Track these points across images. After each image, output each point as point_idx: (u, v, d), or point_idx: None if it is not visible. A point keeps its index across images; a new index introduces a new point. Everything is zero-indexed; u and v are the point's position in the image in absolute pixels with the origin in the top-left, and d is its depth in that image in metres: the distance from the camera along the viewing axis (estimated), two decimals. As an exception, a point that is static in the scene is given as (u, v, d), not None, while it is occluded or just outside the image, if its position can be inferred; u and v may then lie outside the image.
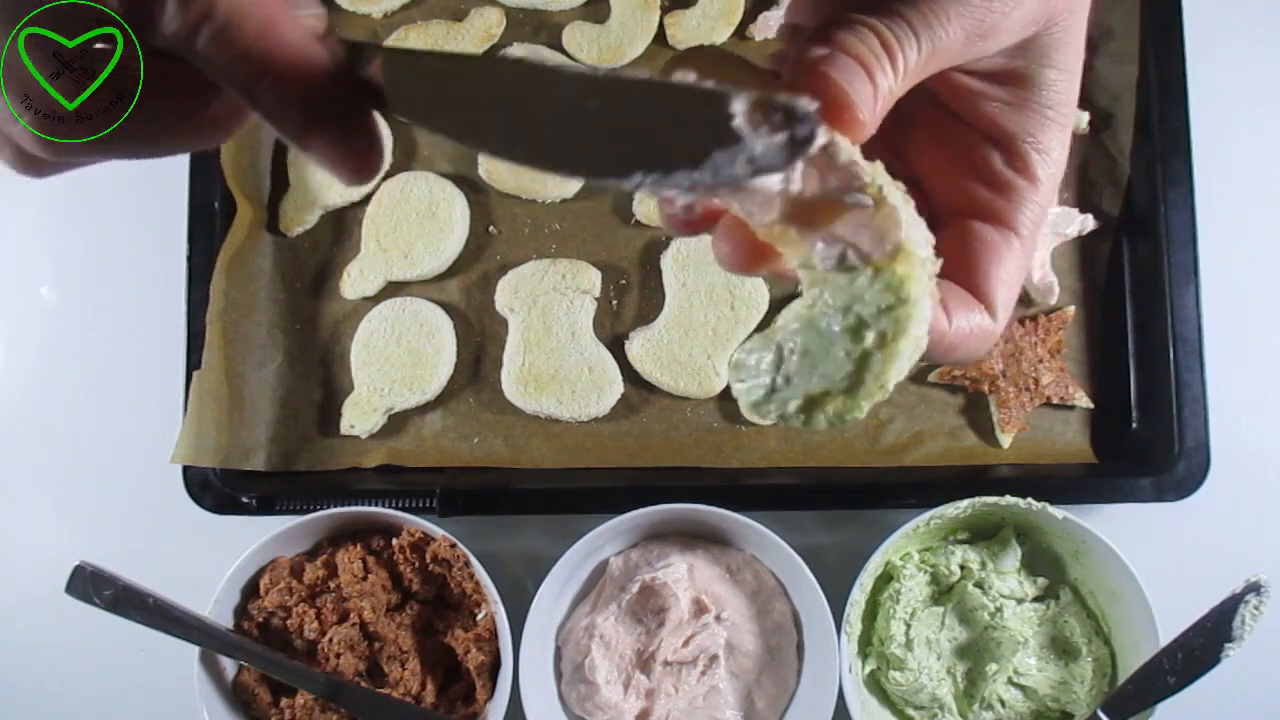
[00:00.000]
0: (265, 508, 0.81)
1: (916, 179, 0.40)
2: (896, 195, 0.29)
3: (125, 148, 0.33)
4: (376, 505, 0.79)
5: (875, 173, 0.29)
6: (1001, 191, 0.37)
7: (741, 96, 0.24)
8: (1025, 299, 0.87)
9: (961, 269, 0.37)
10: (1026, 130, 0.37)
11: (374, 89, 0.32)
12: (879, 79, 0.32)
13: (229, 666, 0.79)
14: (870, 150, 0.31)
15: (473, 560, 0.76)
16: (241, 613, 0.79)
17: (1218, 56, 0.89)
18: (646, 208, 0.86)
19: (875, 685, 0.81)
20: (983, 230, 0.37)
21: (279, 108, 0.32)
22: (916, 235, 0.29)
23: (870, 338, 0.28)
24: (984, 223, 0.37)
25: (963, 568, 0.80)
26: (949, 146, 0.39)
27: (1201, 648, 0.67)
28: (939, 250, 0.32)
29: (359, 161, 0.34)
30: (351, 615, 0.77)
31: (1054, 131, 0.37)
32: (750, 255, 0.33)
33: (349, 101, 0.33)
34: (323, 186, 0.86)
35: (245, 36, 0.31)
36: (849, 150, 0.29)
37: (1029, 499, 0.75)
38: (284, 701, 0.78)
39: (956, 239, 0.37)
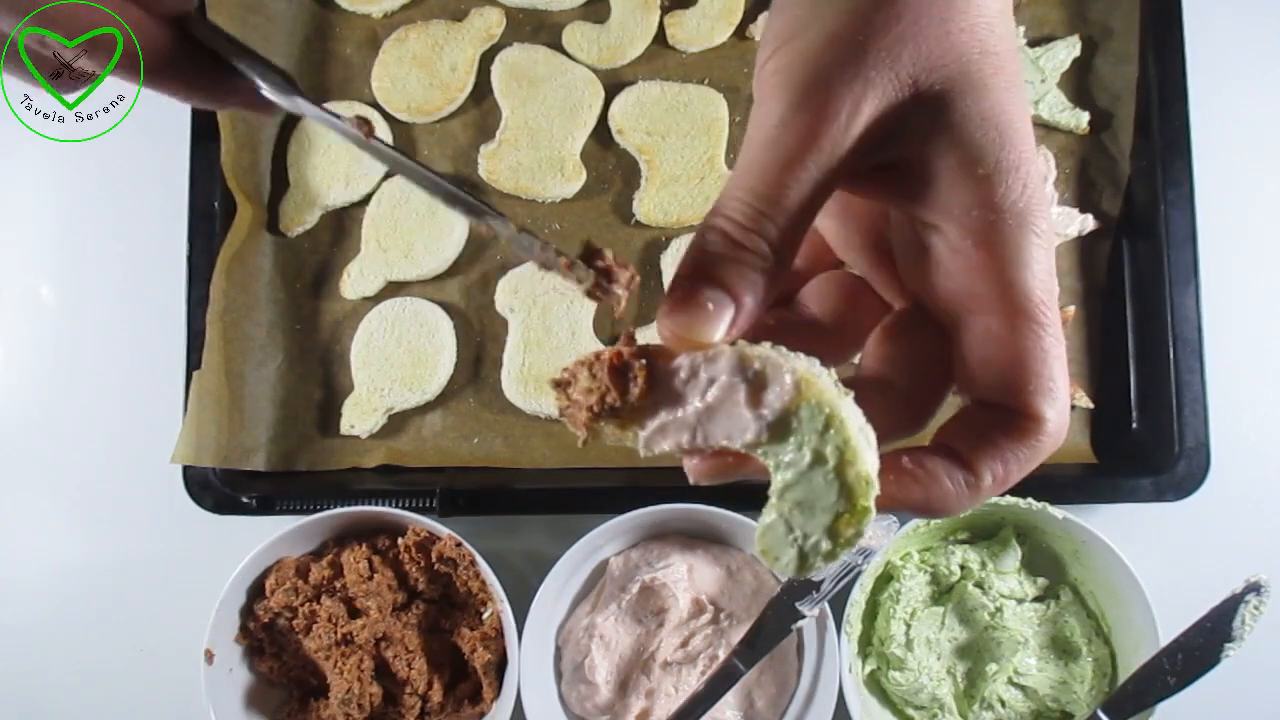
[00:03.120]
0: (265, 508, 0.81)
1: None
2: (762, 350, 0.33)
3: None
4: (377, 505, 0.79)
5: (738, 351, 0.33)
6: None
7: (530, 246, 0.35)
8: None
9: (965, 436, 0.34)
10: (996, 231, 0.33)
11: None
12: (741, 287, 0.33)
13: (235, 666, 0.78)
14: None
15: (478, 559, 0.76)
16: (248, 613, 0.79)
17: (1218, 56, 0.89)
18: (646, 207, 0.86)
19: (875, 685, 0.81)
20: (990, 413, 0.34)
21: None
22: (798, 364, 0.33)
23: (830, 453, 0.32)
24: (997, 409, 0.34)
25: (963, 568, 0.80)
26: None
27: (1201, 648, 0.67)
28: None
29: (213, 92, 0.40)
30: (358, 615, 0.77)
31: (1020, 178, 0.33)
32: (724, 465, 0.35)
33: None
34: (323, 186, 0.86)
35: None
36: (700, 359, 0.34)
37: (1029, 499, 0.75)
38: (292, 703, 0.78)
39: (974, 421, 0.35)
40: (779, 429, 0.33)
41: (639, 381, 0.34)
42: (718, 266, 0.33)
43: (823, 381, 0.33)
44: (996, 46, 0.33)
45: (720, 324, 0.34)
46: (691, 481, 0.35)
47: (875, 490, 0.32)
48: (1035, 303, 0.33)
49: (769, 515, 0.34)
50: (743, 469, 0.35)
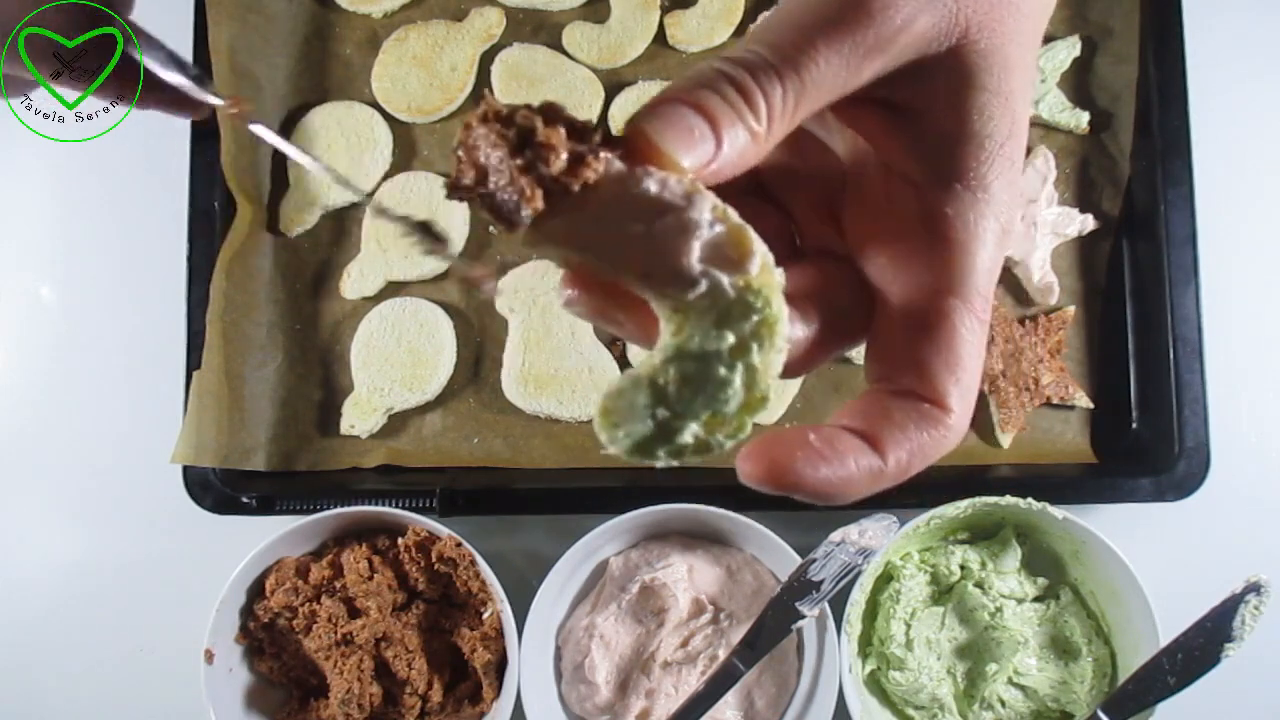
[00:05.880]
0: (265, 508, 0.81)
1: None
2: (735, 214, 0.30)
3: None
4: (377, 505, 0.79)
5: (713, 199, 0.30)
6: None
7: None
8: (1025, 299, 0.87)
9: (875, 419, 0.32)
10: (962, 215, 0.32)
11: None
12: (726, 133, 0.30)
13: (235, 666, 0.78)
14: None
15: (478, 559, 0.76)
16: (247, 613, 0.79)
17: (1218, 56, 0.89)
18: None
19: (875, 685, 0.81)
20: (908, 406, 0.33)
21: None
22: (766, 249, 0.30)
23: (750, 351, 0.29)
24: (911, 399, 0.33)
25: (963, 568, 0.80)
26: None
27: (1201, 648, 0.67)
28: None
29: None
30: (358, 615, 0.77)
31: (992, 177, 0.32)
32: (604, 300, 0.32)
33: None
34: (323, 186, 0.86)
35: None
36: (677, 185, 0.30)
37: (1029, 499, 0.75)
38: (292, 703, 0.78)
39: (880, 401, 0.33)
40: (712, 296, 0.29)
41: (598, 162, 0.29)
42: (709, 100, 0.30)
43: (778, 280, 0.30)
44: (1035, 35, 0.33)
45: (699, 152, 0.30)
46: (560, 304, 0.33)
47: (766, 410, 0.29)
48: (981, 295, 0.32)
49: (633, 377, 0.30)
50: (621, 314, 0.32)
